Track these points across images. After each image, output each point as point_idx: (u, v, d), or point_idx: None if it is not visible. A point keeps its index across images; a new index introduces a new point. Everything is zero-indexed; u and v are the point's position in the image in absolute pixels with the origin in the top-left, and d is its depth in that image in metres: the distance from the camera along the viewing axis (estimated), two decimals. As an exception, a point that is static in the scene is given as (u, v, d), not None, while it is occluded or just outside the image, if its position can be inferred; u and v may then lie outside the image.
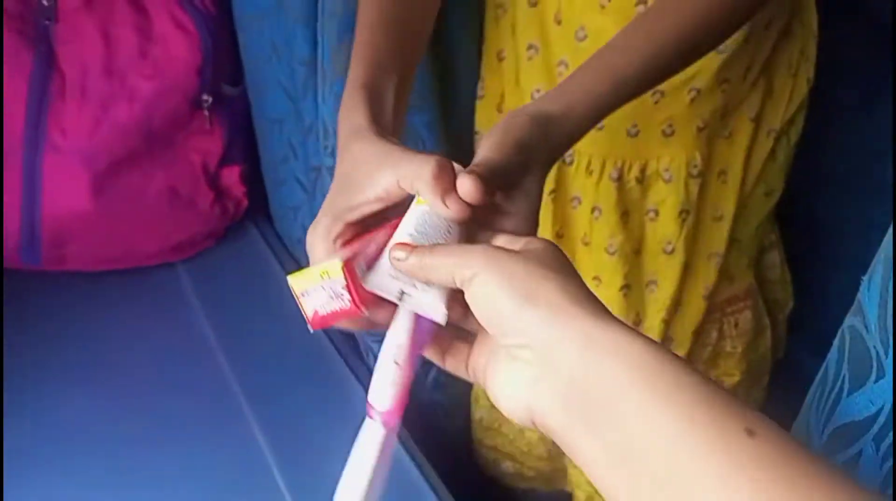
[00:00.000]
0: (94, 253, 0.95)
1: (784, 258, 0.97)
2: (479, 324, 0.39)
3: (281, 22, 0.88)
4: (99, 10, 0.89)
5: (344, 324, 0.44)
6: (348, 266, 0.40)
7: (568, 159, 0.77)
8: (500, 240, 0.42)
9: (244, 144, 1.03)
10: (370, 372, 0.97)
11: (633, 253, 0.81)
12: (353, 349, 0.96)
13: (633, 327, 0.35)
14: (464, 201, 0.42)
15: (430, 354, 0.44)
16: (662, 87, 0.72)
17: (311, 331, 0.43)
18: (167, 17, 0.90)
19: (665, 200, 0.78)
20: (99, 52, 0.88)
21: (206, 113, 0.95)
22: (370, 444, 0.39)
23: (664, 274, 0.81)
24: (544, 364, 0.35)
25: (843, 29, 0.88)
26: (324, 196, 0.99)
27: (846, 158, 1.05)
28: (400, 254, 0.40)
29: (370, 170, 0.45)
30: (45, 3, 0.88)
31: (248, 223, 1.11)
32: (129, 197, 0.92)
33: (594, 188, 0.77)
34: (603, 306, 0.36)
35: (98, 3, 0.89)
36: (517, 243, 0.40)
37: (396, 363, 0.40)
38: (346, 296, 0.41)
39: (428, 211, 0.43)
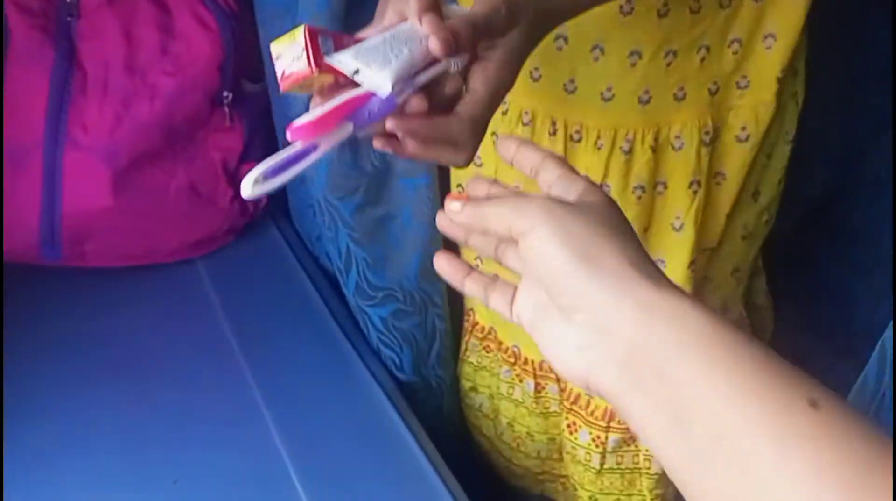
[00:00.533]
0: (115, 250, 0.95)
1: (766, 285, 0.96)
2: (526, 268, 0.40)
3: (302, 18, 0.88)
4: (121, 8, 0.89)
5: (316, 100, 0.47)
6: (309, 30, 0.46)
7: (576, 136, 0.75)
8: (555, 187, 0.41)
9: (264, 141, 1.03)
10: (388, 371, 0.97)
11: (643, 230, 0.78)
12: (369, 347, 0.95)
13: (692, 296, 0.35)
14: (436, 21, 0.46)
15: (475, 291, 0.45)
16: (675, 46, 0.69)
17: (280, 93, 0.48)
18: (189, 15, 0.90)
19: (675, 170, 0.75)
20: (121, 49, 0.88)
21: (227, 110, 0.95)
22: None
23: (672, 253, 0.79)
24: (601, 329, 0.35)
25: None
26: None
27: (875, 164, 1.03)
28: (455, 205, 0.41)
29: (384, 9, 0.51)
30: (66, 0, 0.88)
31: (267, 221, 1.11)
32: (150, 194, 0.93)
33: (604, 164, 0.75)
34: (660, 271, 0.36)
35: (119, 0, 0.89)
36: (572, 192, 0.40)
37: (322, 107, 0.45)
38: (304, 57, 0.45)
39: (408, 26, 0.48)
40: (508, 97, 0.74)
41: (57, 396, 0.82)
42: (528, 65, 0.72)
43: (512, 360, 0.91)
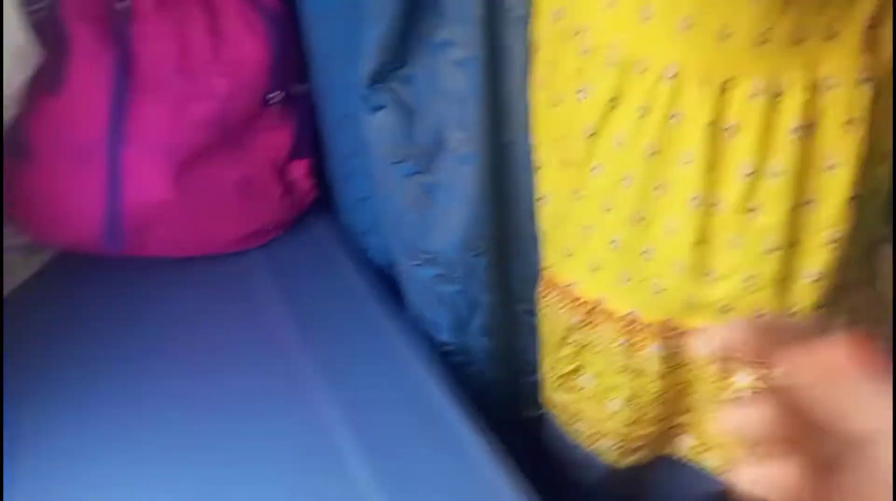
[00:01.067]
0: (173, 241, 1.01)
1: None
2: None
3: (352, 19, 0.91)
4: (172, 13, 0.94)
5: None
6: None
7: (726, 87, 0.71)
8: None
9: (313, 138, 1.07)
10: (439, 356, 0.98)
11: (796, 174, 0.73)
12: (420, 333, 0.98)
13: None
14: None
15: None
16: None
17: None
18: (238, 19, 0.94)
19: (827, 110, 0.71)
20: (174, 52, 0.93)
21: (277, 109, 1.00)
22: None
23: (824, 193, 0.74)
24: None
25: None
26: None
27: None
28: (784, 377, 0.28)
29: None
30: (120, 6, 0.93)
31: (316, 215, 1.15)
32: (206, 188, 0.98)
33: (761, 112, 0.71)
34: None
35: (171, 5, 0.94)
36: None
37: None
38: None
39: None
40: (645, 53, 0.70)
41: (119, 378, 0.88)
42: (676, 15, 0.69)
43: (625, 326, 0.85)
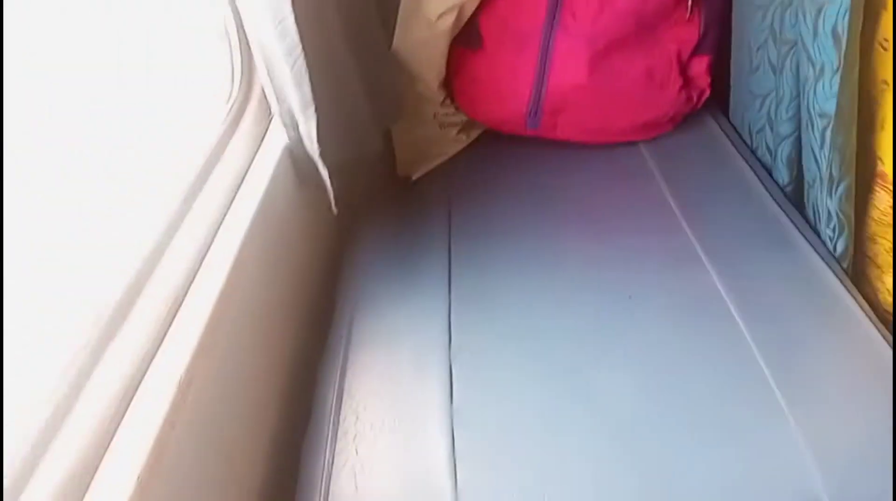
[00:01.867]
0: (579, 124, 1.13)
1: None
2: None
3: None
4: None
5: None
6: None
7: None
8: None
9: (718, 35, 1.12)
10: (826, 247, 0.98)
11: None
12: (809, 227, 0.99)
13: None
14: None
15: None
16: None
17: None
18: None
19: None
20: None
21: (689, 3, 1.06)
22: None
23: None
24: None
25: None
26: (793, 73, 1.02)
27: None
28: None
29: None
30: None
31: (704, 114, 1.20)
32: (615, 76, 1.08)
33: None
34: None
35: None
36: None
37: None
38: None
39: None
40: None
41: (531, 229, 1.03)
42: None
43: None
